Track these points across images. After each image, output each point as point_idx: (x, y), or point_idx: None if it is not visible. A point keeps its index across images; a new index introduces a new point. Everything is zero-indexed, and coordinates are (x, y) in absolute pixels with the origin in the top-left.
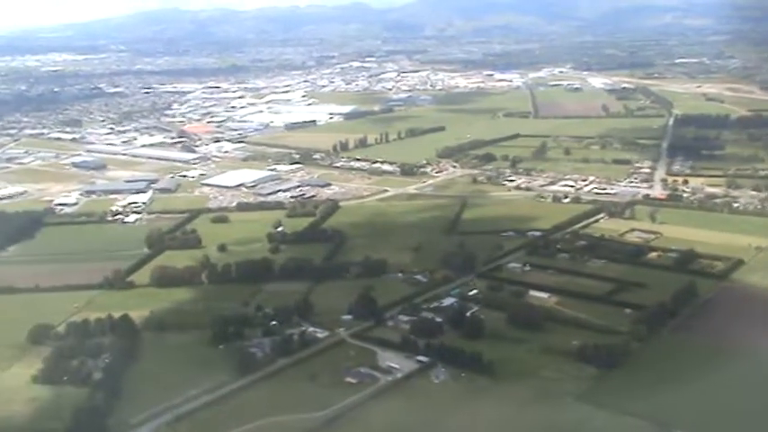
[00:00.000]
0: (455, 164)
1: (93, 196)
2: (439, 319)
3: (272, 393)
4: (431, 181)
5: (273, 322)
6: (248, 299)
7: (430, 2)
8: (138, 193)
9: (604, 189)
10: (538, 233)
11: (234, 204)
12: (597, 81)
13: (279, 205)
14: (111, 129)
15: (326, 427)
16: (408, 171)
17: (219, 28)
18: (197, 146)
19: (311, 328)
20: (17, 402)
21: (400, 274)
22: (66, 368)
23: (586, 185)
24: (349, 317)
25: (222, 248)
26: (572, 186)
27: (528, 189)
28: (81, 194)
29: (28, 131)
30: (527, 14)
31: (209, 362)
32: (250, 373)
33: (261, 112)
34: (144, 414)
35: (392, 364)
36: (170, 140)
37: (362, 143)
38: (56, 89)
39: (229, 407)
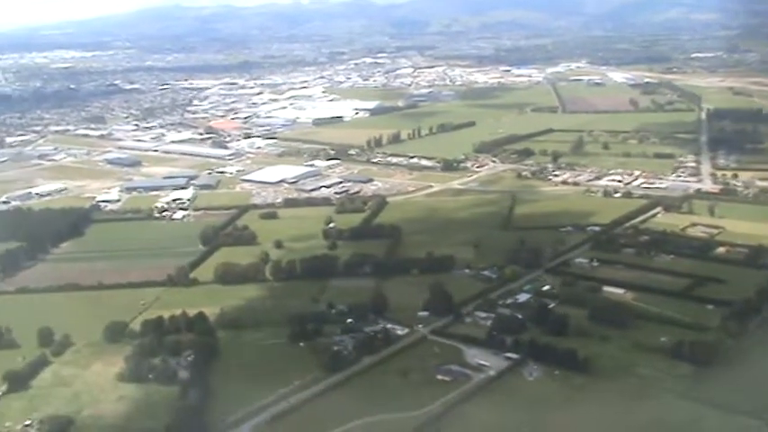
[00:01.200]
0: (494, 159)
1: (134, 193)
2: (519, 316)
3: (365, 392)
4: (474, 176)
5: (349, 320)
6: (317, 296)
7: None
8: (178, 189)
9: (653, 183)
10: (597, 228)
11: (279, 200)
12: (617, 76)
13: (326, 201)
14: (137, 125)
15: (430, 426)
16: (449, 166)
17: (223, 24)
18: (227, 142)
19: (389, 325)
20: (107, 401)
21: (467, 270)
22: (149, 366)
23: (634, 180)
24: (425, 313)
25: (279, 245)
26: (619, 181)
27: (575, 184)
28: (121, 191)
29: (53, 128)
30: (533, 10)
31: (293, 360)
32: (338, 372)
33: (284, 108)
34: (240, 413)
35: (482, 362)
36: (199, 137)
37: (396, 139)
38: (72, 86)
39: (324, 406)
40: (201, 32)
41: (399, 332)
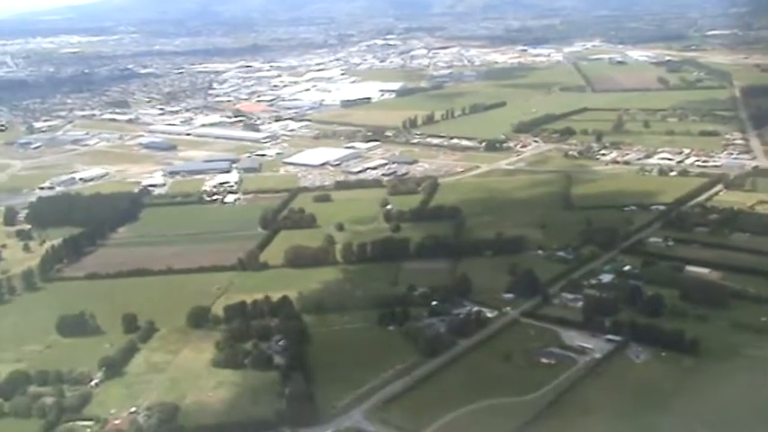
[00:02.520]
0: (536, 139)
1: (178, 177)
2: (607, 296)
3: (471, 375)
4: (519, 156)
5: (434, 302)
6: (394, 279)
7: None
8: (222, 173)
9: (707, 161)
10: (662, 207)
11: (328, 183)
12: (636, 54)
13: (376, 183)
14: (162, 109)
15: (550, 410)
16: (492, 146)
17: (223, 8)
18: (259, 125)
19: (475, 308)
20: (206, 388)
21: (540, 251)
22: (242, 351)
23: (686, 158)
24: (510, 295)
25: (340, 228)
26: (670, 159)
27: (626, 163)
28: (164, 175)
29: (78, 113)
30: None
31: (387, 344)
32: (436, 356)
33: (307, 90)
34: (347, 398)
35: (583, 344)
36: (228, 120)
37: (430, 119)
38: (86, 71)
39: (433, 390)
40: (202, 16)
41: (489, 315)
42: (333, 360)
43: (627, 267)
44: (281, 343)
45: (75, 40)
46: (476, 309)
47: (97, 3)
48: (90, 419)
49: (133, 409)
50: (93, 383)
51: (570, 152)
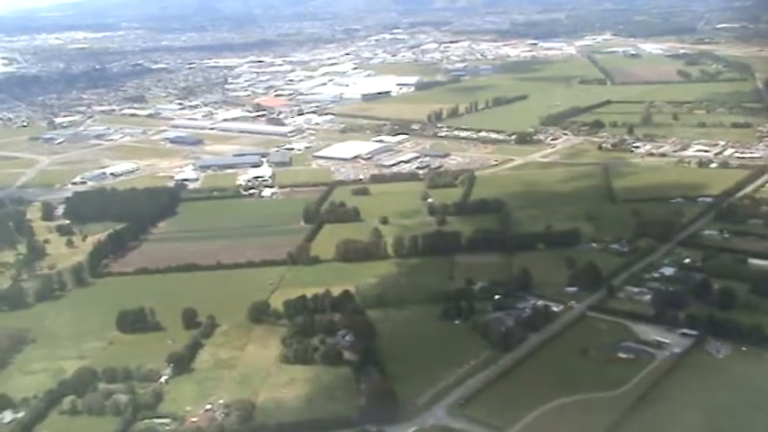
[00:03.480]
0: (565, 132)
1: (209, 171)
2: (672, 289)
3: (549, 371)
4: (552, 149)
5: (497, 296)
6: (448, 272)
7: None
8: (254, 166)
9: (745, 153)
10: (709, 199)
11: (363, 176)
12: (649, 47)
13: (412, 176)
14: (181, 104)
15: (640, 405)
16: (523, 139)
17: (224, 4)
18: (282, 119)
19: (540, 302)
20: (278, 385)
21: (594, 244)
22: (309, 347)
23: (723, 150)
24: (573, 289)
25: (384, 221)
26: (706, 151)
27: (662, 155)
28: (195, 169)
29: (97, 108)
30: None
31: (456, 338)
32: (510, 350)
33: (324, 84)
34: (427, 394)
35: (660, 339)
36: (250, 114)
37: (454, 113)
38: (97, 66)
39: (513, 386)
40: (204, 12)
41: (555, 309)
42: (404, 355)
43: (687, 260)
44: (347, 338)
45: (81, 36)
46: (541, 303)
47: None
48: (166, 417)
49: (208, 407)
50: (162, 380)
51: (603, 145)
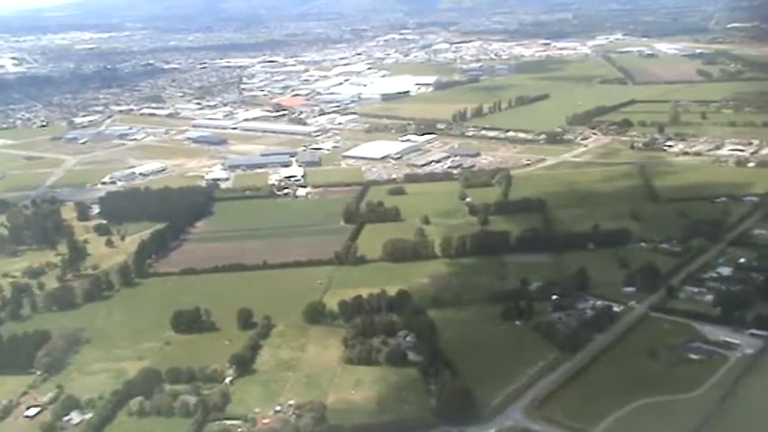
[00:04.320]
0: (594, 131)
1: (239, 171)
2: (734, 289)
3: (621, 372)
4: (583, 149)
5: (554, 296)
6: (499, 272)
7: None
8: (284, 166)
9: None
10: (755, 198)
11: (396, 176)
12: (664, 47)
13: (447, 176)
14: (198, 104)
15: (722, 408)
16: (553, 139)
17: (228, 4)
18: (304, 119)
19: (599, 302)
20: (345, 386)
21: (643, 244)
22: (373, 348)
23: (758, 149)
24: (630, 289)
25: (426, 221)
26: (742, 150)
27: (697, 154)
28: (223, 169)
29: (115, 108)
30: None
31: (519, 338)
32: (577, 351)
33: (340, 84)
34: (499, 396)
35: (729, 339)
36: (271, 114)
37: (478, 112)
38: (108, 66)
39: (587, 387)
40: (208, 12)
41: (615, 309)
42: (469, 356)
43: (742, 260)
44: (408, 338)
45: (87, 36)
46: (601, 303)
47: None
48: (237, 418)
49: (278, 408)
50: (227, 381)
51: (635, 144)
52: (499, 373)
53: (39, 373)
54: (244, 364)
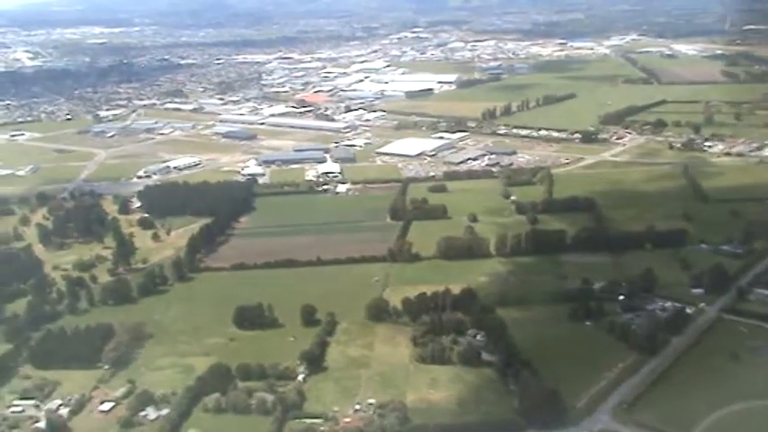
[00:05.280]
0: (628, 130)
1: (273, 166)
2: None
3: (705, 375)
4: (620, 148)
5: (621, 296)
6: (558, 272)
7: None
8: (318, 162)
9: None
10: None
11: (434, 173)
12: (682, 48)
13: (487, 173)
14: (221, 99)
15: None
16: (588, 138)
17: (236, 0)
18: (332, 115)
19: (670, 303)
20: (421, 385)
21: (703, 245)
22: (442, 346)
23: None
24: (699, 290)
25: (474, 219)
26: None
27: (739, 155)
28: (258, 164)
29: (137, 102)
30: None
31: (592, 340)
32: (656, 353)
33: (361, 81)
34: (583, 398)
35: None
36: (297, 110)
37: (507, 110)
38: (124, 61)
39: (673, 390)
40: (216, 8)
41: (688, 311)
42: (544, 356)
43: None
44: (479, 338)
45: (97, 31)
46: (672, 305)
47: None
48: (317, 417)
49: (357, 407)
50: (299, 378)
51: (674, 144)
52: (578, 374)
53: (106, 367)
54: (315, 362)
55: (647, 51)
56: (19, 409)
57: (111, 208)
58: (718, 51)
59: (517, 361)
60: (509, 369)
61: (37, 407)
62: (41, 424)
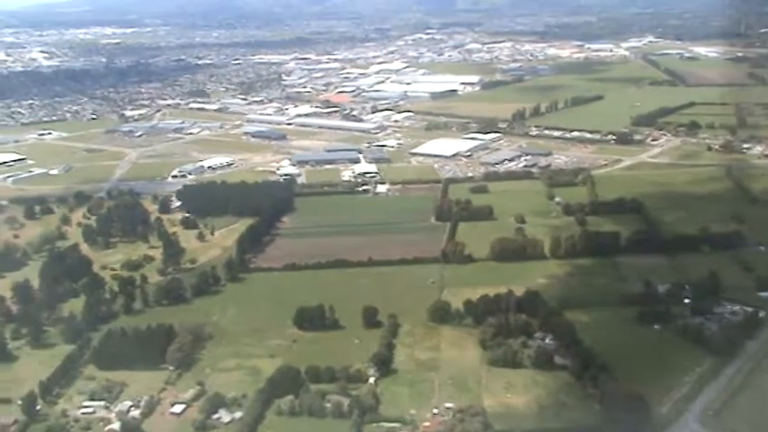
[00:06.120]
0: (662, 132)
1: (308, 166)
2: None
3: None
4: (658, 150)
5: (686, 300)
6: (617, 274)
7: None
8: (353, 162)
9: None
10: None
11: (475, 174)
12: (702, 50)
13: (527, 174)
14: (245, 99)
15: None
16: (623, 140)
17: (244, 2)
18: (357, 115)
19: (737, 307)
20: (496, 389)
21: (762, 248)
22: (513, 349)
23: None
24: (766, 294)
25: (521, 220)
26: None
27: None
28: (292, 164)
29: (161, 102)
30: None
31: (664, 343)
32: (734, 357)
33: (382, 81)
34: (666, 404)
35: None
36: (323, 110)
37: (536, 112)
38: (141, 61)
39: (760, 396)
40: (225, 9)
41: (760, 315)
42: (618, 360)
43: None
44: (547, 340)
45: (110, 31)
46: (740, 308)
47: None
48: (395, 421)
49: (435, 411)
50: (371, 381)
51: (712, 146)
52: (657, 378)
53: (171, 368)
54: (385, 364)
55: (667, 54)
56: (89, 410)
57: (150, 207)
58: (739, 54)
59: (594, 365)
60: (585, 373)
61: (107, 408)
62: (115, 426)
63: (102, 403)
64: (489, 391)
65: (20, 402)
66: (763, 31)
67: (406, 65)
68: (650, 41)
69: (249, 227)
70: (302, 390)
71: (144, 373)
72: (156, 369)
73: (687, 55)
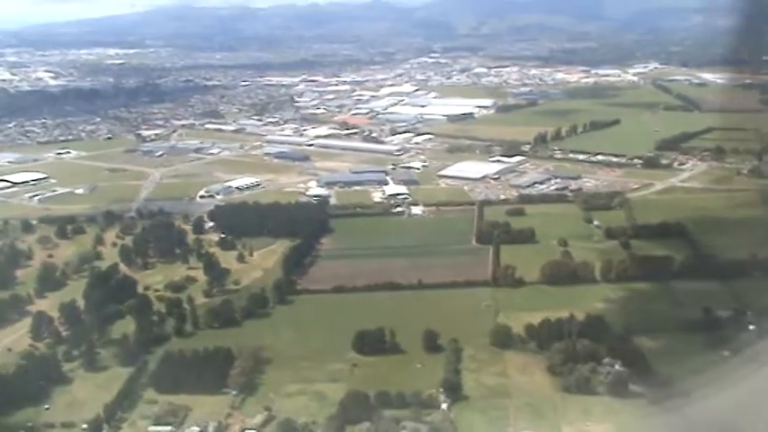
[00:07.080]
0: (688, 156)
1: (336, 188)
2: None
3: None
4: (687, 174)
5: (751, 326)
6: (673, 299)
7: (454, 0)
8: (381, 184)
9: None
10: None
11: (507, 197)
12: (709, 77)
13: (561, 198)
14: (260, 120)
15: None
16: (651, 164)
17: (244, 24)
18: (377, 137)
19: None
20: (574, 417)
21: None
22: (585, 375)
23: None
24: None
25: (564, 243)
26: None
27: None
28: (320, 186)
29: (176, 122)
30: (555, 14)
31: (741, 371)
32: None
33: (395, 104)
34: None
35: None
36: (342, 132)
37: (557, 135)
38: (149, 81)
39: None
40: (225, 32)
41: None
42: (695, 388)
43: None
44: (617, 367)
45: (112, 52)
46: None
47: (112, 17)
48: None
49: None
50: (443, 407)
51: (741, 171)
52: (741, 405)
53: (234, 393)
54: (455, 390)
55: (676, 80)
56: None
57: (183, 228)
58: (747, 81)
59: (674, 393)
60: (666, 401)
61: None
62: None
63: (169, 428)
64: (566, 419)
65: (85, 426)
66: (766, 58)
67: (416, 88)
68: (656, 67)
69: (292, 248)
70: (374, 416)
71: (206, 398)
72: (217, 393)
73: (695, 81)
